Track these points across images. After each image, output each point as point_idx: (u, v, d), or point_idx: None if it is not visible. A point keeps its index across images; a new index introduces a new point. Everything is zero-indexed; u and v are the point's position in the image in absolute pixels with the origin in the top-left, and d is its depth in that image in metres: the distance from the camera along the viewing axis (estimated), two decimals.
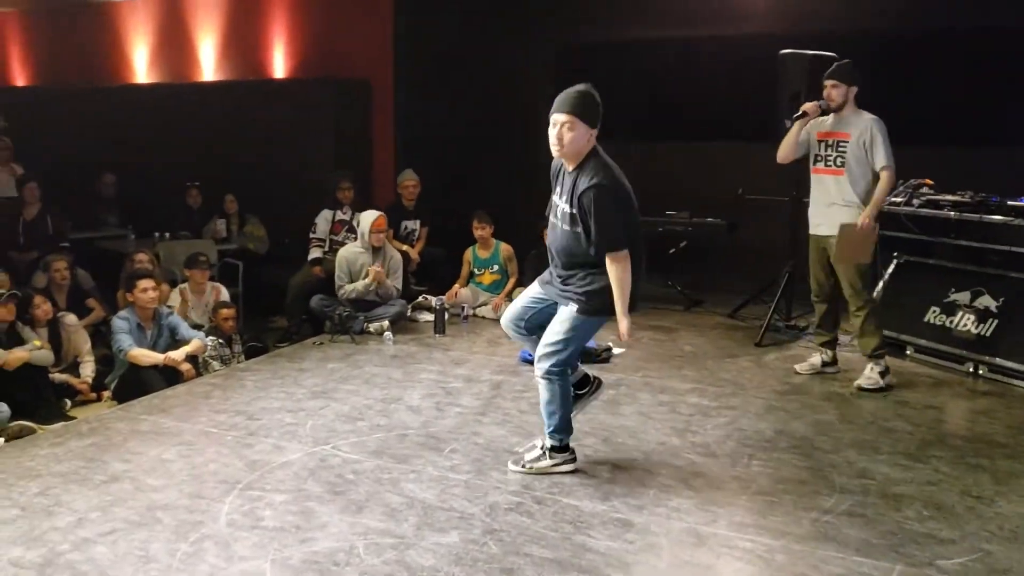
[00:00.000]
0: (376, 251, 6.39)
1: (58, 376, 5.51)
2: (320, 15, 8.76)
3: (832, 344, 5.19)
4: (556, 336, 3.47)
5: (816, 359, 5.20)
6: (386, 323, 6.10)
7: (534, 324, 3.67)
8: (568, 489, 3.45)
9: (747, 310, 6.72)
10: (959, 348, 5.22)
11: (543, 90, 5.17)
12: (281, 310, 7.06)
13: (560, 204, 3.44)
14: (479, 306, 6.85)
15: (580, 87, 3.31)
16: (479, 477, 3.58)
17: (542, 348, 3.50)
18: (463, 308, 6.72)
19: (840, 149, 4.78)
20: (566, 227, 3.41)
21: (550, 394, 3.52)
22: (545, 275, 3.66)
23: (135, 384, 5.01)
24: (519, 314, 3.71)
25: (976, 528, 3.14)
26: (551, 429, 3.59)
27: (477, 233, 6.94)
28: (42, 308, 5.61)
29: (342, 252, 6.50)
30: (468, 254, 7.08)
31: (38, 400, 5.06)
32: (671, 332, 6.29)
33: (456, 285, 7.00)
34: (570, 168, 3.38)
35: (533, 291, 3.70)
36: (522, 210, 6.91)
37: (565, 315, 3.47)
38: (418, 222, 7.59)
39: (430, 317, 6.47)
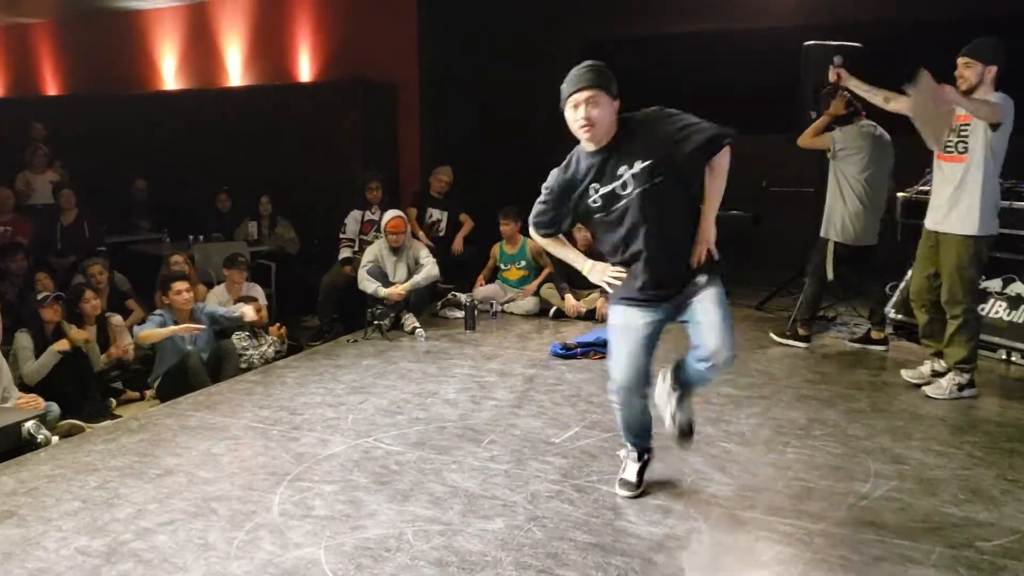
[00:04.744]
0: (396, 251, 6.49)
1: (104, 360, 5.67)
2: (345, 18, 8.88)
3: (943, 354, 4.67)
4: (725, 318, 3.04)
5: (926, 368, 4.77)
6: (418, 324, 6.21)
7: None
8: (607, 478, 3.52)
9: (774, 302, 6.77)
10: (991, 335, 5.23)
11: None
12: (313, 310, 7.18)
13: (623, 182, 2.97)
14: (507, 302, 6.94)
15: (587, 62, 3.00)
16: (518, 467, 3.67)
17: (724, 338, 3.01)
18: (492, 304, 6.82)
19: (963, 134, 4.34)
20: (652, 189, 2.95)
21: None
22: (636, 314, 3.10)
23: (178, 382, 5.13)
24: (640, 375, 3.12)
25: (1013, 511, 3.18)
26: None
27: (504, 229, 7.03)
28: (91, 303, 5.74)
29: (369, 248, 6.64)
30: (495, 249, 7.18)
31: (84, 399, 5.20)
32: None
33: (480, 277, 7.11)
34: (600, 147, 2.99)
35: (633, 343, 3.09)
36: None
37: (713, 295, 3.06)
38: (445, 213, 7.68)
39: (460, 314, 6.57)
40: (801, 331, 5.71)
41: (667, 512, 3.20)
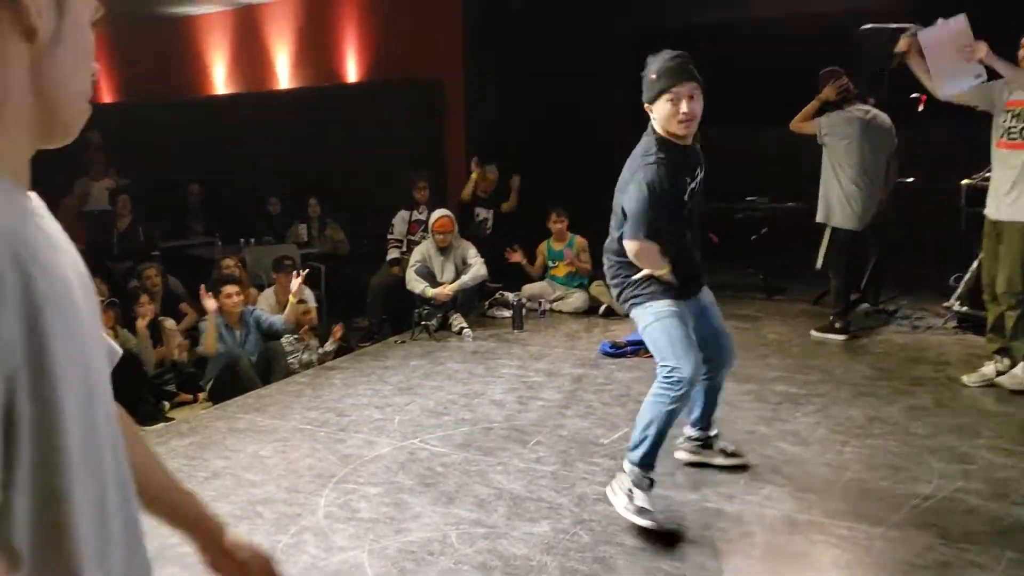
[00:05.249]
0: (443, 250, 6.46)
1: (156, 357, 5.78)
2: (391, 17, 8.90)
3: (1007, 352, 4.46)
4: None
5: (989, 369, 4.51)
6: (465, 324, 6.18)
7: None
8: (657, 479, 3.42)
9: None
10: None
11: (619, 79, 5.15)
12: (363, 311, 7.20)
13: (699, 176, 3.09)
14: (556, 300, 6.86)
15: (675, 53, 2.95)
16: (565, 468, 3.60)
17: (731, 338, 3.35)
18: (540, 303, 6.75)
19: None
20: (703, 181, 3.11)
21: None
22: (684, 306, 3.08)
23: (229, 384, 5.18)
24: (701, 356, 3.07)
25: None
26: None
27: (554, 226, 6.96)
28: (146, 307, 5.84)
29: (417, 248, 6.64)
30: (543, 246, 7.12)
31: (137, 402, 5.28)
32: (754, 320, 6.19)
33: (531, 267, 7.09)
34: (684, 144, 3.01)
35: (689, 329, 3.04)
36: (599, 201, 6.90)
37: (709, 291, 3.31)
38: (491, 212, 7.64)
39: (508, 313, 6.52)
40: (837, 324, 5.62)
41: (719, 516, 3.10)
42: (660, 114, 2.94)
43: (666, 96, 2.90)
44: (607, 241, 3.22)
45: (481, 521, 3.11)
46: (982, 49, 4.06)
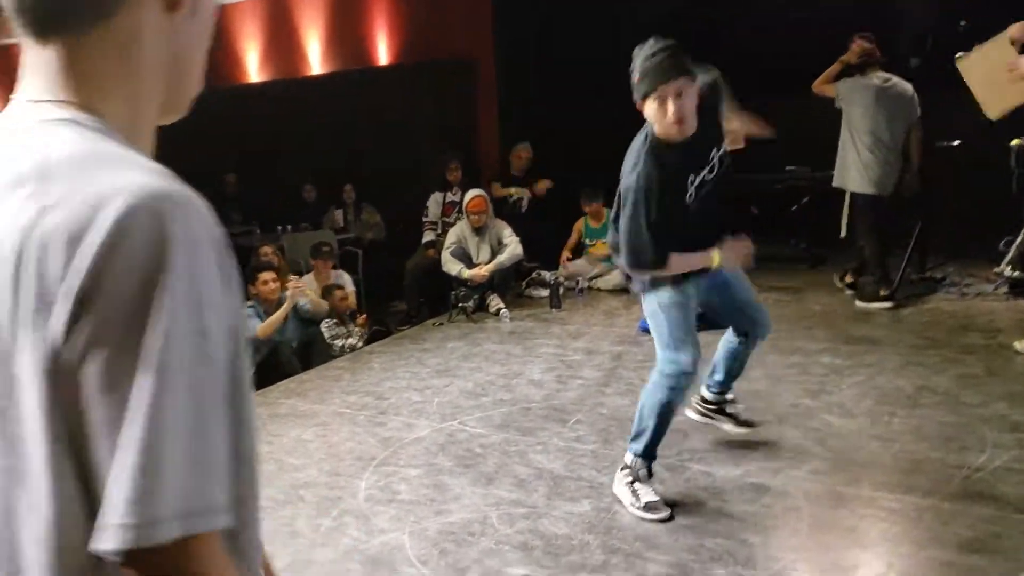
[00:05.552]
0: (479, 231, 6.43)
1: None
2: (420, 0, 8.85)
3: None
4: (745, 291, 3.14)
5: None
6: (503, 305, 6.15)
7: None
8: (699, 456, 3.39)
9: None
10: None
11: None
12: (400, 294, 7.21)
13: (711, 166, 2.88)
14: (594, 277, 6.80)
15: (662, 44, 2.71)
16: (606, 447, 3.56)
17: (763, 308, 3.22)
18: (578, 281, 6.70)
19: None
20: (723, 169, 2.91)
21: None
22: (688, 290, 2.94)
23: (271, 371, 5.22)
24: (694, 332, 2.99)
25: None
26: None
27: (589, 209, 6.92)
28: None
29: (452, 229, 6.62)
30: (579, 224, 7.06)
31: None
32: (797, 292, 6.07)
33: (564, 251, 6.99)
34: (684, 141, 2.79)
35: (692, 316, 2.98)
36: None
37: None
38: (526, 191, 7.59)
39: (545, 292, 6.48)
40: (882, 292, 5.51)
41: (763, 490, 3.04)
42: (650, 116, 2.75)
43: (652, 97, 2.70)
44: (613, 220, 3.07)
45: (521, 501, 3.09)
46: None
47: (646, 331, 5.23)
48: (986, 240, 5.80)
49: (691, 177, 2.84)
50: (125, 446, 0.65)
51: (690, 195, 2.86)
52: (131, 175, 0.71)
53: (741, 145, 3.10)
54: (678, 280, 2.91)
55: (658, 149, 2.78)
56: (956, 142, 6.01)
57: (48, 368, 0.67)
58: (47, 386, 0.67)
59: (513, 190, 7.58)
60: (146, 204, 0.68)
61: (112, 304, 0.65)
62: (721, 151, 2.90)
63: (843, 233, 5.68)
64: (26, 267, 0.68)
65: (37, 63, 0.77)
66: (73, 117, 0.75)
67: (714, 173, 2.88)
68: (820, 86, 5.59)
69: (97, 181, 0.69)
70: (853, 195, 5.55)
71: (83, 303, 0.65)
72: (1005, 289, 5.45)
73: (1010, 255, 5.45)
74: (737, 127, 3.11)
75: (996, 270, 5.49)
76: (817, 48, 7.39)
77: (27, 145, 0.73)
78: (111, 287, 0.65)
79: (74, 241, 0.66)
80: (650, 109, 2.74)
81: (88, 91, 0.77)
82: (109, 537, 0.65)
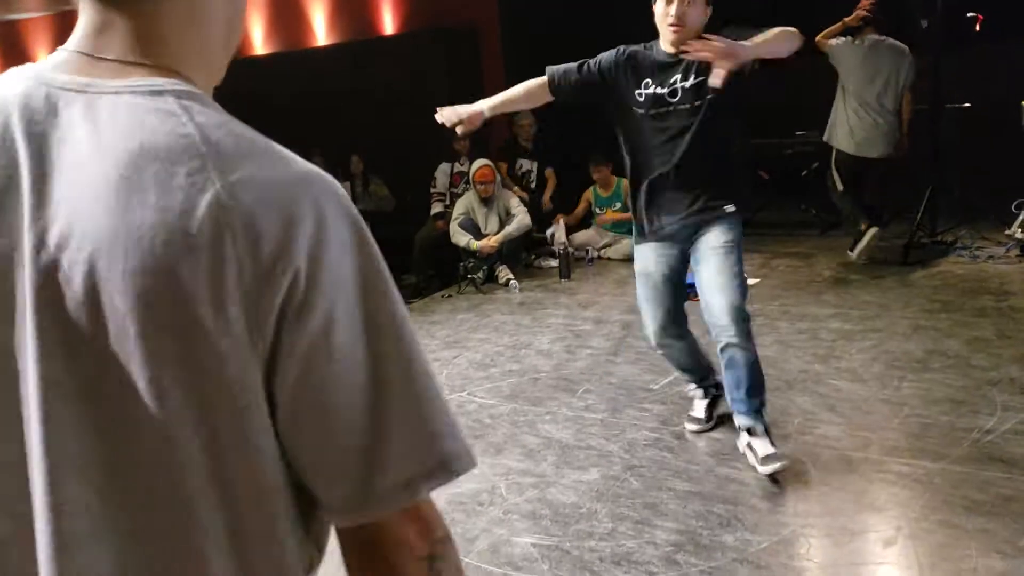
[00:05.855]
0: (486, 201, 6.40)
1: None
2: None
3: None
4: (733, 265, 2.85)
5: None
6: (512, 276, 6.13)
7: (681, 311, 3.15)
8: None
9: (888, 228, 6.35)
10: None
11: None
12: (409, 267, 7.21)
13: (673, 90, 2.85)
14: (604, 247, 6.78)
15: None
16: (615, 415, 3.57)
17: (727, 296, 2.82)
18: (587, 251, 6.67)
19: None
20: (701, 106, 2.81)
21: (752, 354, 2.88)
22: (650, 256, 3.06)
23: None
24: (669, 318, 3.11)
25: None
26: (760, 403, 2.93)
27: (597, 177, 6.86)
28: None
29: (460, 200, 6.59)
30: (589, 193, 7.01)
31: None
32: (808, 258, 6.03)
33: (560, 215, 6.81)
34: (670, 55, 2.84)
35: (652, 288, 3.09)
36: None
37: (725, 232, 2.89)
38: (535, 163, 7.53)
39: (554, 263, 6.46)
40: (862, 225, 5.63)
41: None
42: (656, 18, 2.84)
43: None
44: None
45: (530, 471, 3.11)
46: None
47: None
48: (997, 203, 5.75)
49: (647, 81, 2.88)
50: (399, 405, 0.72)
51: (642, 103, 2.90)
52: (293, 157, 0.75)
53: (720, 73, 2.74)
54: (640, 240, 3.09)
55: (645, 50, 2.93)
56: (966, 104, 5.94)
57: (266, 344, 0.67)
58: (258, 362, 0.68)
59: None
60: (331, 187, 0.72)
61: (338, 279, 0.69)
62: (690, 83, 2.82)
63: (839, 188, 5.70)
64: (231, 244, 0.65)
65: (106, 22, 0.73)
66: (188, 89, 0.73)
67: (676, 99, 2.85)
68: (821, 41, 5.58)
69: (276, 163, 0.73)
70: (835, 150, 5.66)
71: (309, 279, 0.67)
72: (1017, 252, 5.40)
73: (1021, 218, 5.40)
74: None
75: (1008, 232, 5.44)
76: (830, 9, 7.30)
77: (154, 113, 0.69)
78: (333, 263, 0.69)
79: (288, 223, 0.67)
80: (657, 9, 2.82)
81: (171, 58, 0.75)
82: (410, 486, 0.73)
